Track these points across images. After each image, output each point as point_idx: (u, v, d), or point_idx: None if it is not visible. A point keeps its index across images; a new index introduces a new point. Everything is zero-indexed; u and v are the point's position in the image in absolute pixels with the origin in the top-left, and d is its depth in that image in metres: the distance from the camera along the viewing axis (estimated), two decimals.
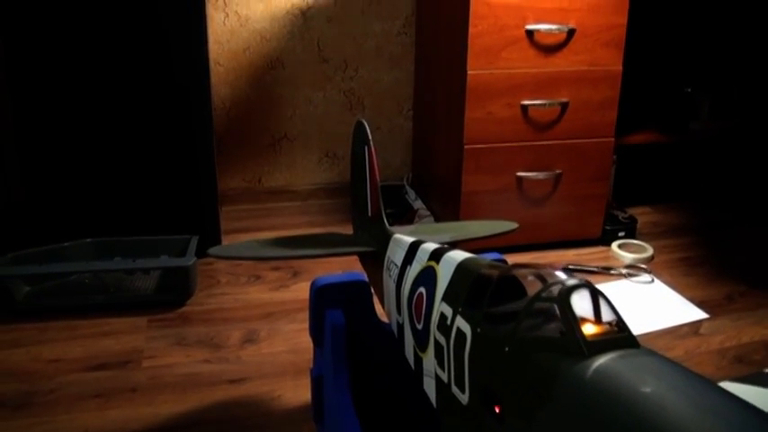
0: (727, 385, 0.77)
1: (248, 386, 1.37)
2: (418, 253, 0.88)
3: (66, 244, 1.70)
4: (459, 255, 0.78)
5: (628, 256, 1.91)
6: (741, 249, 2.05)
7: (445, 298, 0.74)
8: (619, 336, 0.52)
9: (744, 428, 0.40)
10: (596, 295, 0.55)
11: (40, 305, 1.61)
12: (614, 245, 1.96)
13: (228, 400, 1.33)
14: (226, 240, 1.96)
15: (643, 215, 2.21)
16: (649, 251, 1.94)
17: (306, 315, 1.50)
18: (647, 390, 0.44)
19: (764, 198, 2.39)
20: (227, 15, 2.11)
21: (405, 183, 2.35)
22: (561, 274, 0.59)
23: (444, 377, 0.71)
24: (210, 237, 1.84)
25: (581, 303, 0.54)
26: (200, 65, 1.75)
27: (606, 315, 0.55)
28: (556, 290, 0.55)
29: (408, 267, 0.89)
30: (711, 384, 0.46)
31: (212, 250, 1.10)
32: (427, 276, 0.81)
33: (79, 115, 1.72)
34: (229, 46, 2.13)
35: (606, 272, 1.84)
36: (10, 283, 1.59)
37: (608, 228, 2.00)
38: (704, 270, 1.91)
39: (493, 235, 1.21)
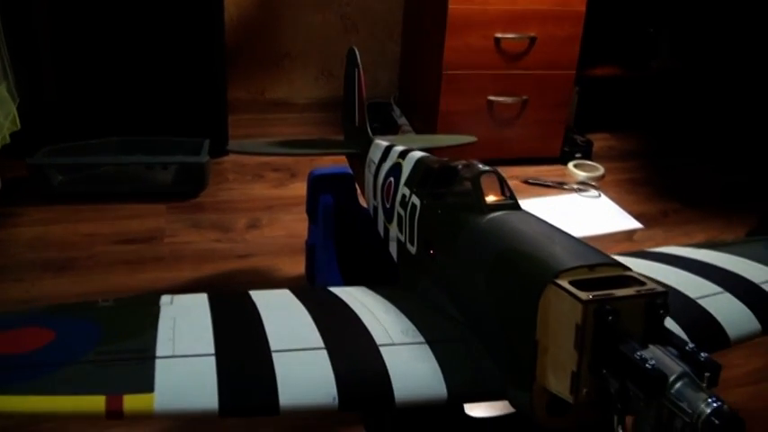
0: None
1: (253, 261, 1.66)
2: (390, 153, 1.15)
3: (94, 141, 1.96)
4: (418, 153, 1.06)
5: (580, 175, 2.20)
6: (682, 174, 2.34)
7: (406, 183, 1.03)
8: (508, 203, 0.80)
9: (564, 245, 0.68)
10: (501, 178, 0.84)
11: (73, 191, 1.88)
12: (570, 164, 2.25)
13: (237, 271, 1.62)
14: None
15: (600, 140, 2.48)
16: (600, 171, 2.23)
17: (301, 208, 1.79)
18: (516, 227, 0.73)
19: (710, 132, 2.66)
20: None
21: (391, 101, 2.60)
22: (480, 165, 0.87)
23: (402, 239, 1.00)
24: (219, 141, 2.10)
25: (490, 183, 0.83)
26: None
27: (505, 191, 0.83)
28: (473, 172, 0.84)
29: (383, 164, 1.17)
30: (563, 231, 0.75)
31: (231, 145, 1.38)
32: (396, 170, 1.09)
33: (108, 25, 1.96)
34: None
35: (560, 186, 2.13)
36: (48, 171, 1.86)
37: (566, 149, 2.28)
38: (646, 189, 2.20)
39: (456, 145, 1.49)
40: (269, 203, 1.93)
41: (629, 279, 0.61)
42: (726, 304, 0.79)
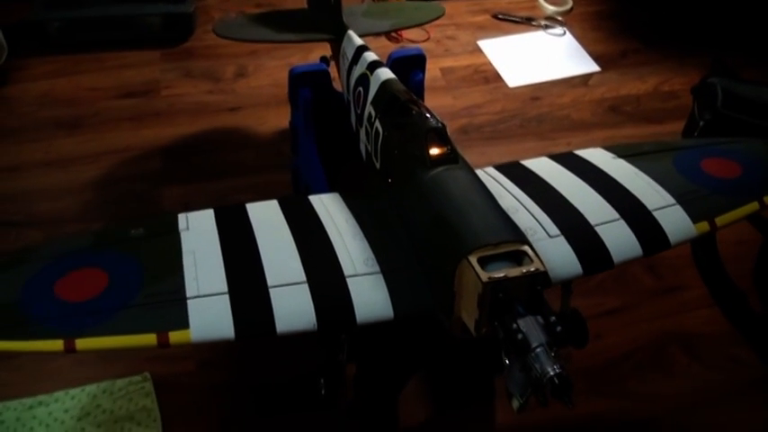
0: (543, 160, 1.23)
1: (243, 113, 1.84)
2: (361, 59, 1.30)
3: None
4: (384, 74, 1.22)
5: (549, 8, 2.30)
6: (651, 6, 2.40)
7: (372, 103, 1.20)
8: (449, 156, 1.00)
9: (481, 218, 0.91)
10: (445, 131, 1.03)
11: (71, 40, 1.99)
12: None
13: (229, 124, 1.80)
14: None
15: None
16: (569, 5, 2.32)
17: (282, 53, 1.94)
18: (450, 191, 0.95)
19: None
20: None
21: None
22: (431, 119, 1.05)
23: (370, 148, 1.21)
24: None
25: (436, 137, 1.02)
26: None
27: (447, 144, 1.03)
28: (425, 127, 1.03)
29: (354, 67, 1.33)
30: (486, 195, 0.96)
31: (217, 28, 1.52)
32: (364, 81, 1.26)
33: None
34: None
35: (528, 23, 2.25)
36: (46, 23, 1.95)
37: None
38: (610, 24, 2.30)
39: (426, 22, 1.63)
40: (253, 48, 2.04)
41: (523, 255, 0.85)
42: (618, 233, 1.00)
